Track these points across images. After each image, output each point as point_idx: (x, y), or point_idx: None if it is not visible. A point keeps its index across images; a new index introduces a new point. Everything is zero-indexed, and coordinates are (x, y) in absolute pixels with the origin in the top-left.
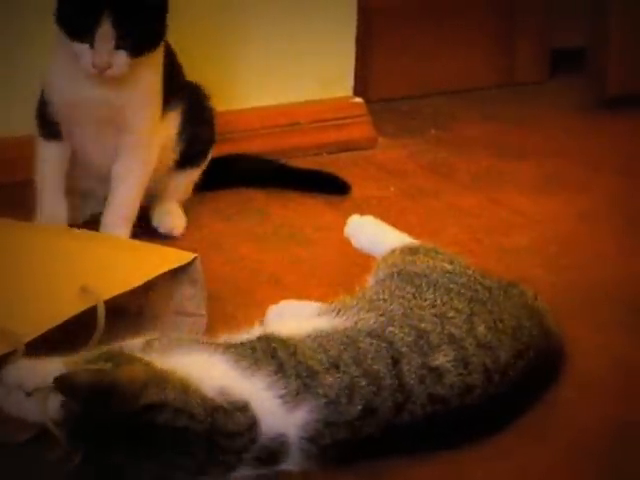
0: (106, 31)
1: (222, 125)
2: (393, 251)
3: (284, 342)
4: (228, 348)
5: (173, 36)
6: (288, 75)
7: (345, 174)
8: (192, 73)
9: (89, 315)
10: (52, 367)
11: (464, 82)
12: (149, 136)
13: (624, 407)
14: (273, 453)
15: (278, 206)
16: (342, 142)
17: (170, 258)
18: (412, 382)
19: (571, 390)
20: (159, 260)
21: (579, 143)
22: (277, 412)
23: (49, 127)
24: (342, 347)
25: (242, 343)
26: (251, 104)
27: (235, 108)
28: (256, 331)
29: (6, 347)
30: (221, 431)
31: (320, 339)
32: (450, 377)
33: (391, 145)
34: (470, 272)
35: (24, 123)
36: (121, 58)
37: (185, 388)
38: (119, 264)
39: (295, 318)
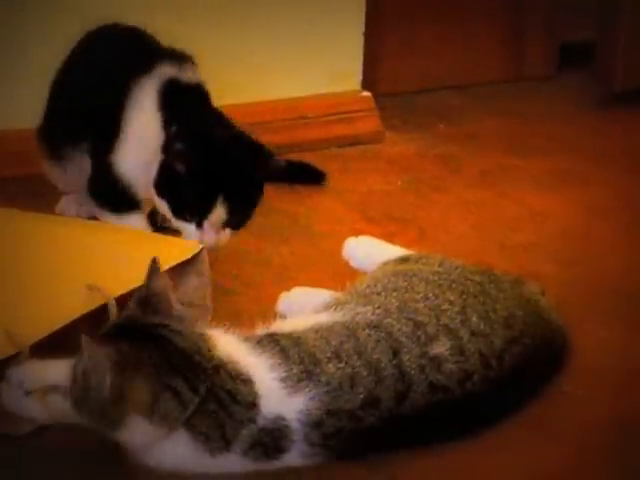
0: (219, 216)
1: (231, 118)
2: (385, 263)
3: (287, 335)
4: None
5: (184, 31)
6: (297, 69)
7: (353, 168)
8: (202, 68)
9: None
10: (54, 369)
11: (472, 77)
12: None
13: (629, 402)
14: (275, 439)
15: (287, 200)
16: (350, 136)
17: (177, 249)
18: (412, 372)
19: (576, 384)
20: (167, 252)
21: (587, 138)
22: (277, 394)
23: (128, 201)
24: (343, 339)
25: (247, 337)
26: (260, 97)
27: (244, 101)
28: (260, 331)
29: (11, 349)
30: (221, 385)
31: (322, 332)
32: (448, 365)
33: (399, 139)
34: (459, 271)
35: (26, 116)
36: (226, 236)
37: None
38: (127, 257)
39: (300, 312)
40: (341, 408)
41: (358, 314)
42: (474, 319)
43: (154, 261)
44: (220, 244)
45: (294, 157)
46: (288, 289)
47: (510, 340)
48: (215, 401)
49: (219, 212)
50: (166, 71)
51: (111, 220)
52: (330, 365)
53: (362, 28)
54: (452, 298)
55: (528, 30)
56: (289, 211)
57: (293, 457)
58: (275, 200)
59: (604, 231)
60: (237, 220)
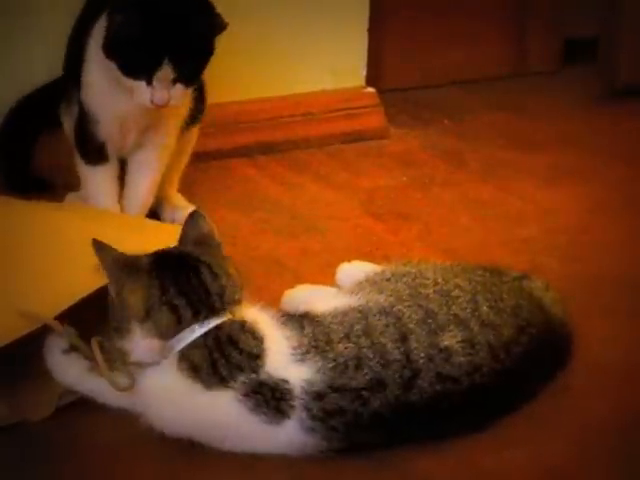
0: (167, 73)
1: (236, 115)
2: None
3: (314, 316)
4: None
5: None
6: (301, 65)
7: (357, 164)
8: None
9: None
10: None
11: (477, 72)
12: (176, 125)
13: (634, 395)
14: (277, 398)
15: (291, 196)
16: (354, 132)
17: (174, 234)
18: (421, 360)
19: (581, 378)
20: (165, 235)
21: (591, 133)
22: (285, 359)
23: (96, 152)
24: (354, 320)
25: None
26: (264, 94)
27: (248, 98)
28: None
29: (27, 326)
30: (228, 331)
31: (338, 314)
32: (458, 357)
33: (403, 135)
34: (463, 265)
35: None
36: (178, 91)
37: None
38: (127, 241)
39: (317, 299)
40: (346, 385)
41: (371, 300)
42: (484, 308)
43: (195, 210)
44: (173, 102)
45: (299, 153)
46: (291, 285)
47: (518, 330)
48: (214, 340)
49: (166, 71)
50: None
51: (84, 172)
52: (340, 345)
53: (366, 24)
54: (462, 284)
55: (532, 26)
56: (293, 207)
57: (294, 428)
58: (279, 196)
59: (608, 226)
60: (187, 76)
